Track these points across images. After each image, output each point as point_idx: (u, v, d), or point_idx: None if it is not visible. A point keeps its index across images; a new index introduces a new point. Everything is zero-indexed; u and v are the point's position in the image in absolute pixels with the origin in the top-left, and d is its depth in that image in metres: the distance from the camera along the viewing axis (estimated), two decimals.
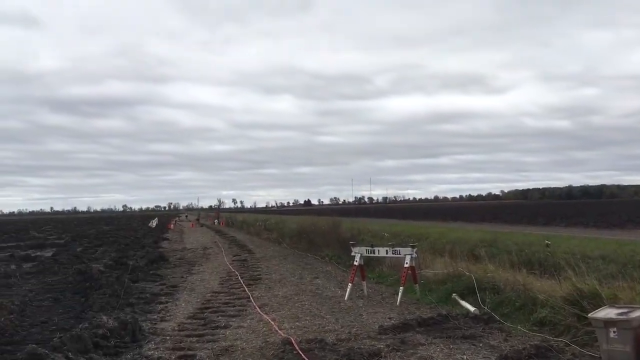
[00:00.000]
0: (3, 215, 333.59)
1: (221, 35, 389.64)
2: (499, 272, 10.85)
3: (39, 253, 26.87)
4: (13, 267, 19.71)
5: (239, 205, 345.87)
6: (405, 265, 11.10)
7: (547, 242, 15.95)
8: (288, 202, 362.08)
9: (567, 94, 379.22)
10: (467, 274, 11.13)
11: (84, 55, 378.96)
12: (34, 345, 7.81)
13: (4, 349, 8.13)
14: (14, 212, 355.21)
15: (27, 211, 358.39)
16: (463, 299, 10.37)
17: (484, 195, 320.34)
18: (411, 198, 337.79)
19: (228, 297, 12.50)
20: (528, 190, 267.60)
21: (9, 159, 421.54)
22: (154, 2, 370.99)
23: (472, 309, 9.58)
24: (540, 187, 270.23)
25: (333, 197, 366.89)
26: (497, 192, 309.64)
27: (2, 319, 9.90)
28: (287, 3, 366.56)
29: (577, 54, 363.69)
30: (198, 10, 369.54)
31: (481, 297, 9.90)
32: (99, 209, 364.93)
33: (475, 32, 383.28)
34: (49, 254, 25.24)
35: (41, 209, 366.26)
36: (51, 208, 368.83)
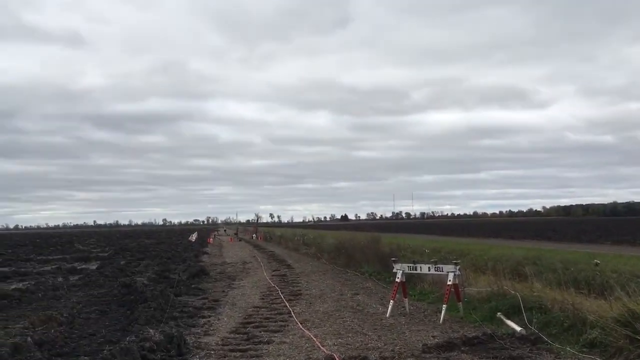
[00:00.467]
0: (49, 228, 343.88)
1: (260, 52, 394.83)
2: (545, 291, 10.61)
3: (84, 266, 27.61)
4: (60, 279, 20.30)
5: (276, 219, 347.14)
6: (449, 283, 10.97)
7: (596, 261, 15.48)
8: (325, 217, 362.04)
9: (611, 109, 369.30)
10: (512, 292, 10.93)
11: (128, 73, 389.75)
12: (84, 358, 8.04)
13: None
14: (59, 225, 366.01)
15: (72, 224, 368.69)
16: (508, 318, 10.17)
17: (524, 211, 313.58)
18: (449, 213, 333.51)
19: (269, 312, 12.56)
20: (571, 206, 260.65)
21: (56, 173, 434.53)
22: (196, 21, 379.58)
23: (518, 328, 9.38)
24: (584, 203, 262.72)
25: (370, 212, 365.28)
26: (539, 208, 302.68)
27: (53, 330, 10.19)
28: (326, 20, 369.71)
29: (620, 68, 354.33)
30: (238, 28, 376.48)
31: (527, 317, 9.69)
32: (139, 222, 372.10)
33: (515, 46, 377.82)
34: (94, 267, 25.86)
35: (85, 223, 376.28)
36: (94, 221, 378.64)
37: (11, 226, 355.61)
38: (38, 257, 36.15)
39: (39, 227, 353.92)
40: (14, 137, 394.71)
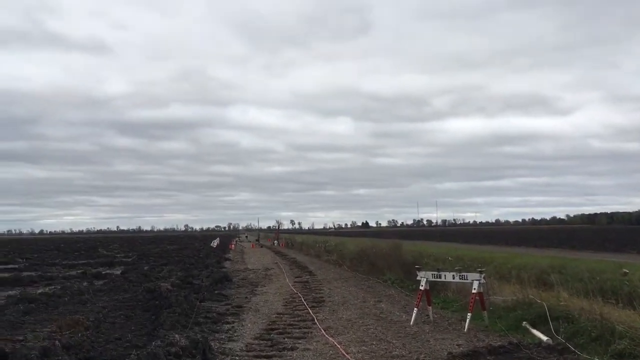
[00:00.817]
0: (73, 233, 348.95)
1: (281, 59, 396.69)
2: (572, 300, 10.47)
3: (109, 271, 27.93)
4: (86, 284, 20.56)
5: (297, 226, 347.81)
6: (473, 291, 10.88)
7: (624, 270, 15.23)
8: (346, 224, 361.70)
9: (636, 115, 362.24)
10: (538, 301, 10.80)
11: (150, 80, 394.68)
12: None
13: None
14: (82, 230, 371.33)
15: (95, 230, 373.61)
16: (534, 327, 10.05)
17: (548, 219, 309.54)
18: (471, 221, 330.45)
19: (292, 319, 12.58)
20: (595, 214, 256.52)
21: (80, 179, 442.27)
22: (217, 29, 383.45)
23: (544, 338, 9.26)
24: (608, 211, 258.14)
25: (391, 219, 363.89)
26: (562, 217, 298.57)
27: (79, 334, 10.35)
28: (347, 27, 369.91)
29: None
30: (259, 35, 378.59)
31: (554, 326, 9.56)
32: (162, 228, 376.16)
33: (537, 52, 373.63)
34: (119, 272, 26.16)
35: (108, 228, 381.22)
36: (117, 227, 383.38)
37: (36, 231, 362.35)
38: (63, 262, 36.68)
39: (63, 232, 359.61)
40: (39, 144, 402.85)
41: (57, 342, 9.19)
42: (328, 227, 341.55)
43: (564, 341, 8.92)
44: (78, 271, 27.52)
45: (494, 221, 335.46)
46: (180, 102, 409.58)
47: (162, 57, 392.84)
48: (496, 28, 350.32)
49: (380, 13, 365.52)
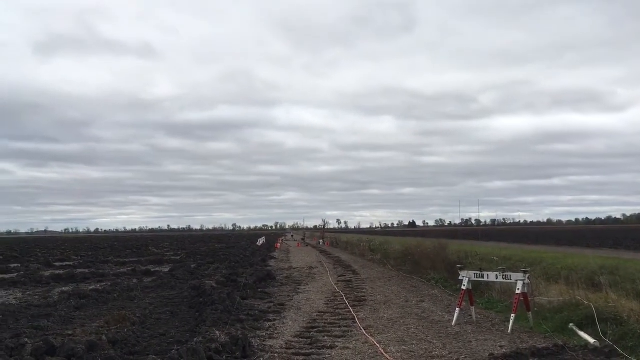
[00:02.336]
0: (126, 232, 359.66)
1: (325, 58, 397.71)
2: (621, 302, 10.08)
3: (157, 268, 28.63)
4: (135, 281, 21.17)
5: (343, 225, 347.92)
6: (517, 292, 10.63)
7: None
8: (392, 223, 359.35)
9: None
10: (586, 303, 10.46)
11: (197, 82, 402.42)
12: (154, 357, 8.34)
13: (127, 359, 8.72)
14: (135, 229, 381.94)
15: (147, 228, 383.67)
16: (581, 329, 9.73)
17: (602, 218, 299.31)
18: (522, 221, 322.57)
19: (333, 318, 12.59)
20: None
21: (132, 179, 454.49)
22: (262, 30, 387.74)
23: (591, 340, 8.96)
24: None
25: (438, 219, 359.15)
26: (618, 216, 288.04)
27: (126, 330, 10.64)
28: (390, 25, 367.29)
29: None
30: (303, 35, 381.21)
31: (602, 329, 9.25)
32: (210, 227, 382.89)
33: (587, 47, 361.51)
34: (167, 270, 26.79)
35: (159, 227, 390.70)
36: (168, 226, 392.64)
37: (92, 230, 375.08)
38: (115, 260, 37.84)
39: (117, 231, 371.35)
40: (92, 145, 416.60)
41: (103, 336, 9.49)
42: (374, 227, 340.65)
43: (611, 344, 8.61)
44: (128, 268, 28.31)
45: (545, 221, 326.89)
46: (226, 103, 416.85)
47: (209, 60, 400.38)
48: (543, 23, 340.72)
49: (424, 10, 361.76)
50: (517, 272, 11.13)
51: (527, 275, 10.78)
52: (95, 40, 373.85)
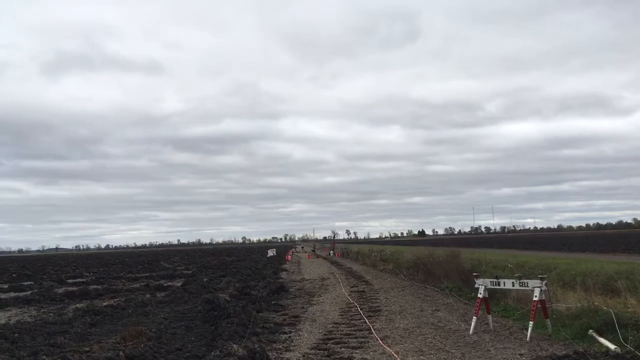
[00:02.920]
0: (136, 247, 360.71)
1: (330, 69, 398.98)
2: None
3: (170, 283, 28.67)
4: (148, 296, 21.18)
5: (352, 236, 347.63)
6: (535, 299, 10.54)
7: None
8: (402, 233, 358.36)
9: None
10: (605, 308, 10.35)
11: (204, 96, 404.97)
12: None
13: None
14: (145, 244, 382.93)
15: (157, 243, 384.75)
16: (601, 335, 9.63)
17: (614, 223, 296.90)
18: (532, 227, 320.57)
19: (349, 329, 12.53)
20: None
21: (142, 194, 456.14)
22: (266, 42, 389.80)
23: (612, 347, 8.86)
24: None
25: (448, 227, 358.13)
26: (629, 220, 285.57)
27: (142, 345, 10.64)
28: (395, 34, 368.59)
29: None
30: (307, 47, 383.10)
31: (622, 335, 9.14)
32: (220, 240, 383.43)
33: (593, 52, 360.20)
34: (179, 284, 26.78)
35: (169, 241, 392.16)
36: (178, 240, 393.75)
37: (102, 246, 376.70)
38: (127, 275, 37.91)
39: (127, 247, 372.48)
40: (102, 162, 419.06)
41: (120, 352, 9.50)
42: (384, 236, 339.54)
43: (633, 349, 8.51)
44: (141, 284, 28.36)
45: (555, 227, 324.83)
46: (233, 117, 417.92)
47: (214, 74, 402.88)
48: (548, 29, 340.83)
49: (429, 19, 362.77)
50: (534, 279, 11.05)
51: (544, 282, 10.69)
52: (103, 58, 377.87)
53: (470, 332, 11.25)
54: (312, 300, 18.49)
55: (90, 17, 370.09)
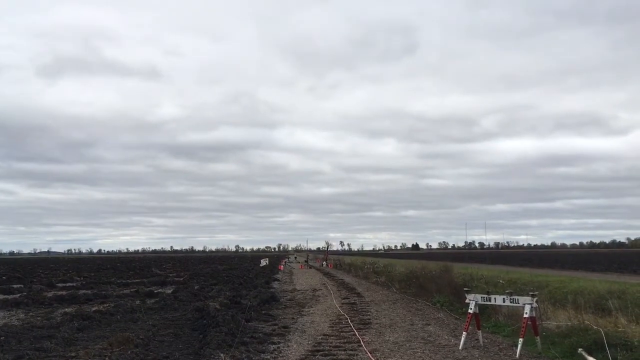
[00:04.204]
0: (129, 253, 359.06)
1: (328, 81, 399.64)
2: (631, 327, 9.96)
3: (160, 290, 28.49)
4: (138, 302, 21.02)
5: (346, 247, 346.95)
6: (525, 316, 10.51)
7: None
8: (395, 246, 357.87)
9: None
10: (595, 327, 10.33)
11: (201, 104, 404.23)
12: None
13: None
14: (138, 250, 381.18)
15: (150, 249, 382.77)
16: (590, 354, 9.58)
17: (607, 242, 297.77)
18: (525, 244, 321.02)
19: (338, 341, 12.45)
20: None
21: (136, 200, 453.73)
22: (265, 52, 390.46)
23: None
24: None
25: (442, 241, 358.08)
26: (622, 240, 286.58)
27: (129, 352, 10.54)
28: (393, 47, 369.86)
29: None
30: (306, 58, 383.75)
31: (612, 354, 9.11)
32: (213, 248, 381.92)
33: (590, 71, 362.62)
34: (170, 291, 26.63)
35: (162, 248, 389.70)
36: (171, 247, 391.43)
37: (95, 250, 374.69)
38: (118, 281, 37.69)
39: (120, 252, 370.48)
40: (96, 167, 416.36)
41: (107, 358, 9.40)
42: (377, 249, 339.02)
43: None
44: (131, 290, 28.17)
45: (549, 244, 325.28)
46: (229, 125, 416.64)
47: (212, 82, 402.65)
48: (545, 47, 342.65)
49: (427, 33, 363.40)
50: (525, 295, 11.03)
51: (534, 299, 10.66)
52: (100, 63, 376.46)
53: (460, 347, 11.20)
54: (302, 311, 18.40)
55: (89, 21, 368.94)
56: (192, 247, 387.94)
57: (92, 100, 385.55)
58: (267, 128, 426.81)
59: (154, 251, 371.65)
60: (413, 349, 11.40)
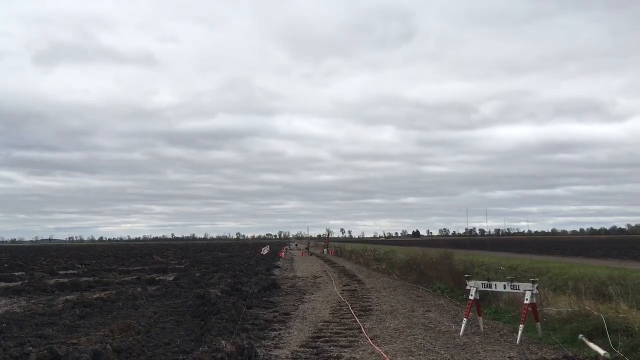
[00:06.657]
0: (130, 240, 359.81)
1: (325, 67, 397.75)
2: (632, 313, 9.96)
3: (162, 277, 28.56)
4: (139, 289, 21.07)
5: (346, 234, 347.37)
6: (526, 302, 10.52)
7: None
8: (396, 233, 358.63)
9: None
10: (595, 313, 10.33)
11: (198, 91, 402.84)
12: None
13: None
14: (139, 237, 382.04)
15: (151, 237, 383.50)
16: (591, 340, 9.60)
17: (607, 228, 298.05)
18: (526, 230, 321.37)
19: (339, 327, 12.48)
20: None
21: (135, 188, 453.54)
22: (262, 39, 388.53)
23: (602, 352, 8.83)
24: None
25: (442, 228, 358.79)
26: (623, 226, 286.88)
27: (130, 339, 10.55)
28: (390, 34, 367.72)
29: None
30: (303, 45, 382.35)
31: (612, 340, 9.11)
32: (214, 236, 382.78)
33: (589, 57, 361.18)
34: (171, 278, 26.71)
35: (163, 235, 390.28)
36: (172, 234, 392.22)
37: (96, 238, 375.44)
38: (120, 268, 37.77)
39: (121, 239, 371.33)
40: (95, 154, 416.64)
41: (108, 345, 9.40)
42: (378, 236, 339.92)
43: (622, 355, 8.49)
44: (133, 277, 28.24)
45: (549, 230, 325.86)
46: (227, 112, 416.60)
47: (209, 69, 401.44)
48: (544, 33, 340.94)
49: (425, 19, 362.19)
50: (525, 282, 11.03)
51: (535, 285, 10.66)
52: (97, 50, 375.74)
53: (461, 333, 11.22)
54: (303, 297, 18.44)
55: (85, 8, 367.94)
56: (193, 234, 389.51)
57: (89, 88, 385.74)
58: (264, 115, 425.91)
59: (155, 238, 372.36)
60: (414, 335, 11.42)
